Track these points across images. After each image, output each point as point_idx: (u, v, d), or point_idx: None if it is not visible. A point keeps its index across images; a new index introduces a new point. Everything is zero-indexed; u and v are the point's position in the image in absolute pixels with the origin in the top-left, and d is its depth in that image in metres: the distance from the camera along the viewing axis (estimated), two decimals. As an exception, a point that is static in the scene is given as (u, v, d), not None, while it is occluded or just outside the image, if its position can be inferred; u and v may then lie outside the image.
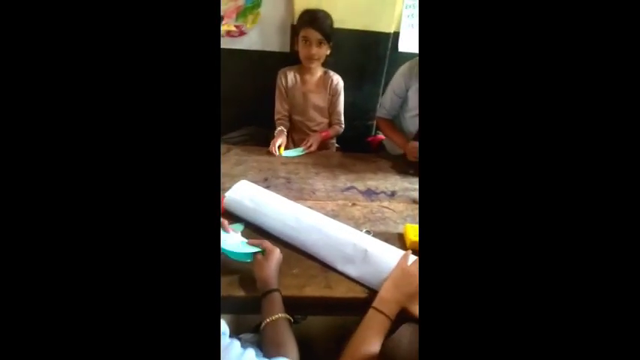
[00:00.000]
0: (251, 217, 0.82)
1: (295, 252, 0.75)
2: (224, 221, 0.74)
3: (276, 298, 0.61)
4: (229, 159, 1.17)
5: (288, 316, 0.59)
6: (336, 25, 1.25)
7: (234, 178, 0.97)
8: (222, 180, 1.02)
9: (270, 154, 1.23)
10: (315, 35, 1.18)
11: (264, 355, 0.51)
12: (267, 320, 0.57)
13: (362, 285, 0.68)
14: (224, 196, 0.86)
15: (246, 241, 0.70)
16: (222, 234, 0.71)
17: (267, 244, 0.68)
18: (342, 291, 0.67)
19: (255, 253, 0.67)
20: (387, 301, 0.60)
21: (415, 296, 0.59)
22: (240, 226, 0.80)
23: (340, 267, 0.70)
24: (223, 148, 1.25)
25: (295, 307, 0.63)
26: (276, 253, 0.66)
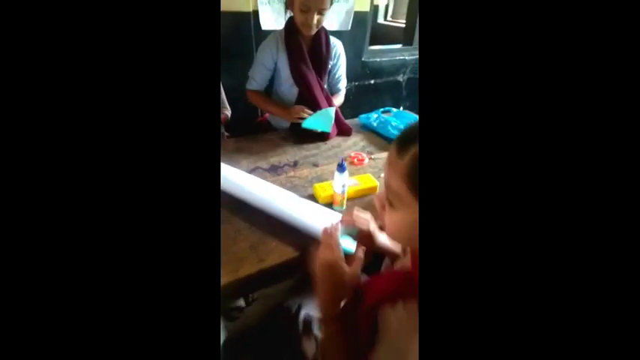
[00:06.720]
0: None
1: (223, 236, 0.75)
2: None
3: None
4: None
5: None
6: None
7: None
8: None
9: None
10: None
11: None
12: None
13: (291, 245, 0.73)
14: None
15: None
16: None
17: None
18: (274, 259, 0.71)
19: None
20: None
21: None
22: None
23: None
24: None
25: (234, 292, 0.63)
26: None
